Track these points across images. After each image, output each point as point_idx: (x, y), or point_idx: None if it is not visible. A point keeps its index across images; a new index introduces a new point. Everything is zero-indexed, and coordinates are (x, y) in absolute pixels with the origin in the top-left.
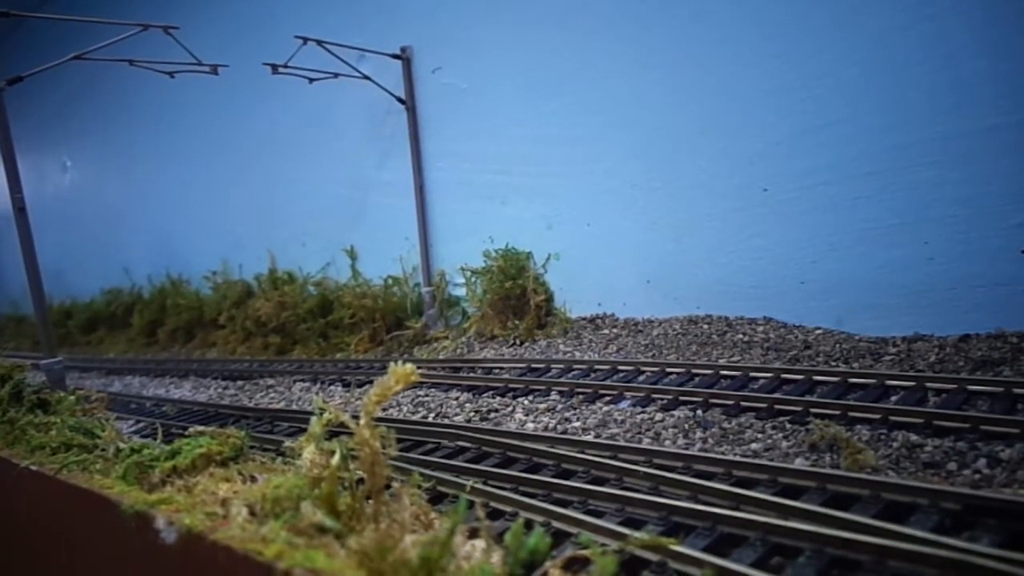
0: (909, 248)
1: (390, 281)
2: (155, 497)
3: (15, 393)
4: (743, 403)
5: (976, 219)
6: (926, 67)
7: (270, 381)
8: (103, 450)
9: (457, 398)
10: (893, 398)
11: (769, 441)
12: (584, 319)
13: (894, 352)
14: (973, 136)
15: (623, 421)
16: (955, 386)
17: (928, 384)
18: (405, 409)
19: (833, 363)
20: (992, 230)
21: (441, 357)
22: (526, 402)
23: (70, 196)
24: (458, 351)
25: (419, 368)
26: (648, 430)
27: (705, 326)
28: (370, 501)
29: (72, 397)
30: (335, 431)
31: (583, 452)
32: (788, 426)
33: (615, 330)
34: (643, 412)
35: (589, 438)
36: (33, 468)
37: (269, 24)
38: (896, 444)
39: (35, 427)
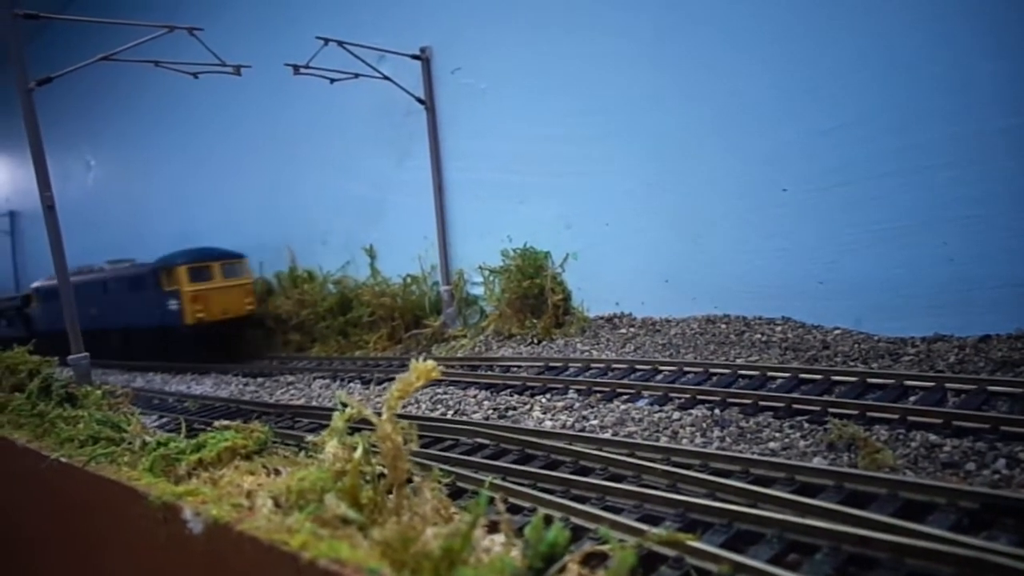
0: (928, 248)
1: (409, 280)
2: (182, 489)
3: (44, 387)
4: (761, 402)
5: (995, 219)
6: (939, 67)
7: (290, 378)
8: (130, 443)
9: (475, 396)
10: (912, 398)
11: (787, 440)
12: (602, 318)
13: (913, 352)
14: (989, 136)
15: (641, 419)
16: (975, 387)
17: (947, 384)
18: (424, 406)
19: (851, 363)
20: (1011, 230)
21: (459, 355)
22: (544, 400)
23: (94, 194)
24: (476, 349)
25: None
26: (666, 428)
27: (723, 326)
28: (392, 495)
29: (98, 392)
30: (355, 427)
31: (601, 450)
32: (806, 425)
33: (633, 329)
34: (661, 411)
35: (607, 436)
36: (63, 460)
37: (290, 25)
38: (915, 444)
39: (64, 420)
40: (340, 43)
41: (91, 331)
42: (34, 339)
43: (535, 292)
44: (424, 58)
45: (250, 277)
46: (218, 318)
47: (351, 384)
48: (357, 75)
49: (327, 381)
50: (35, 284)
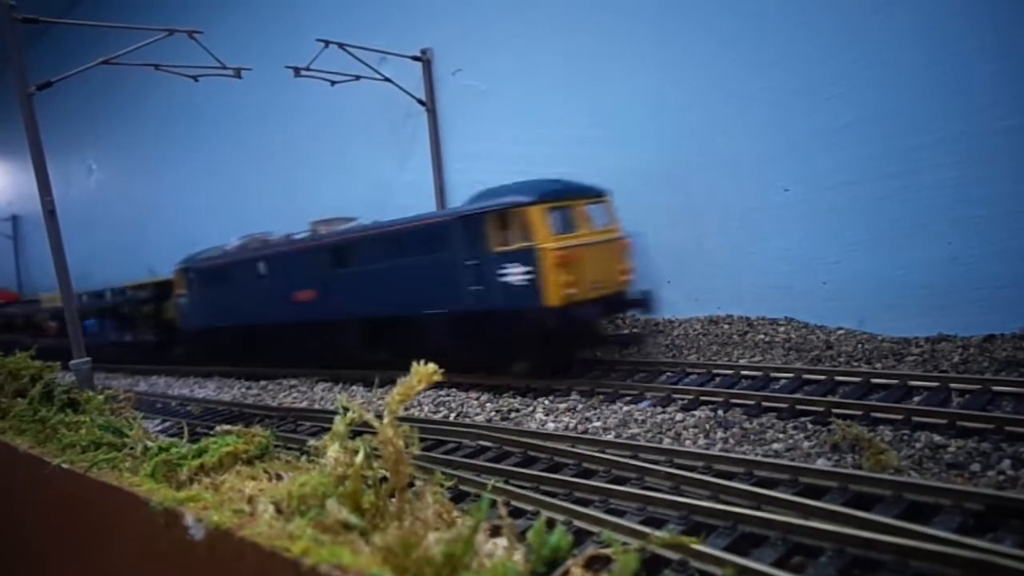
0: (932, 248)
1: None
2: (183, 494)
3: (46, 392)
4: (764, 403)
5: (999, 219)
6: (942, 69)
7: (293, 381)
8: (131, 448)
9: (478, 398)
10: (916, 399)
11: (791, 441)
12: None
13: (917, 352)
14: (992, 136)
15: (644, 421)
16: (979, 387)
17: (952, 385)
18: (426, 409)
19: (855, 363)
20: (1015, 230)
21: None
22: (546, 402)
23: (96, 198)
24: None
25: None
26: (669, 430)
27: (726, 326)
28: (393, 499)
29: (101, 396)
30: (358, 430)
31: (604, 452)
32: (810, 426)
33: (636, 330)
34: (663, 412)
35: (610, 438)
36: (64, 466)
37: (291, 28)
38: (919, 445)
39: (66, 426)
40: (341, 45)
41: (304, 325)
42: (179, 346)
43: None
44: (425, 60)
45: (621, 227)
46: (589, 296)
47: (354, 387)
48: (358, 77)
49: (330, 384)
50: (183, 263)
